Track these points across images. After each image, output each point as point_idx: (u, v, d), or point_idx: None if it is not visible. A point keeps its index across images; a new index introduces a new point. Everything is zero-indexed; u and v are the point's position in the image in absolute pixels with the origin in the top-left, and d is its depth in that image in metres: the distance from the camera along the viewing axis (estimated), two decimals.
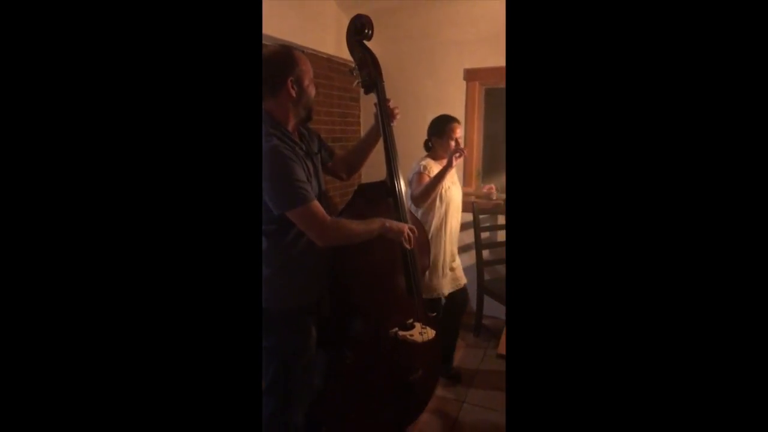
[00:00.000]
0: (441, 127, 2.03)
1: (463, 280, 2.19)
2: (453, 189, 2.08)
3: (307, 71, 1.27)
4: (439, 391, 2.14)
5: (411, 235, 1.41)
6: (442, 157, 2.06)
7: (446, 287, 2.10)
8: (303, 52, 2.43)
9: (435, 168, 2.00)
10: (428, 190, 1.93)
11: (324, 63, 2.65)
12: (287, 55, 1.25)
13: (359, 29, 1.41)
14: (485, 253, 2.72)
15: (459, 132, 2.03)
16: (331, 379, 1.52)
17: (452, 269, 2.14)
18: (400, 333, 1.52)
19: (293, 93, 1.25)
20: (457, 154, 1.89)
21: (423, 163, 2.03)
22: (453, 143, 2.00)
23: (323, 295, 1.44)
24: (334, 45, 2.64)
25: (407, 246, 1.43)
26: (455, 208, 2.10)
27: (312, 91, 1.29)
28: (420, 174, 2.00)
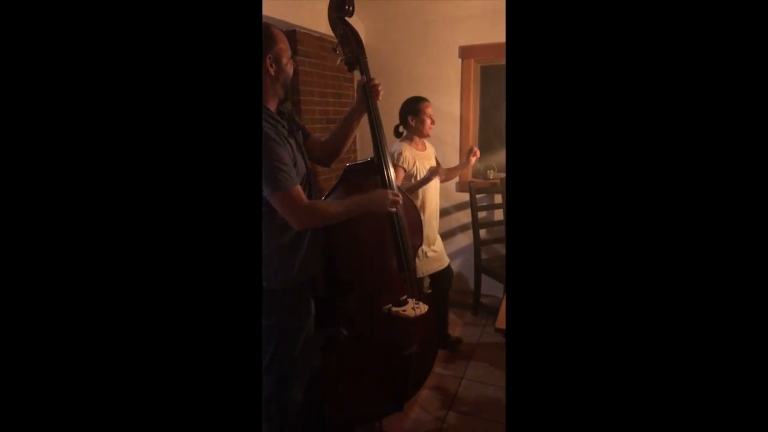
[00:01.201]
0: (415, 106, 2.06)
1: (446, 261, 2.24)
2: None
3: (285, 49, 1.26)
4: (438, 368, 2.17)
5: (395, 198, 1.36)
6: (417, 137, 2.09)
7: (425, 270, 2.14)
8: (296, 30, 2.41)
9: (409, 154, 2.04)
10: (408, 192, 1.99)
11: (316, 42, 2.62)
12: (265, 32, 1.23)
13: (340, 5, 1.39)
14: (482, 233, 2.72)
15: (431, 110, 2.07)
16: (328, 357, 1.54)
17: (434, 252, 2.16)
18: (393, 309, 1.53)
19: (271, 71, 1.24)
20: (439, 175, 1.99)
21: (396, 151, 2.03)
22: (428, 120, 2.05)
23: (318, 273, 1.45)
24: (326, 23, 2.59)
25: (395, 208, 1.39)
26: (433, 193, 2.11)
27: (290, 69, 1.28)
28: (395, 167, 1.98)
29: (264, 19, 2.11)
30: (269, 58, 1.23)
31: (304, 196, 1.26)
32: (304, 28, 2.46)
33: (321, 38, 2.65)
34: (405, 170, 2.03)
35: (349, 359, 1.57)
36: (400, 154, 2.03)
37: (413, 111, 2.06)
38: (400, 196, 1.40)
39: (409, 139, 2.10)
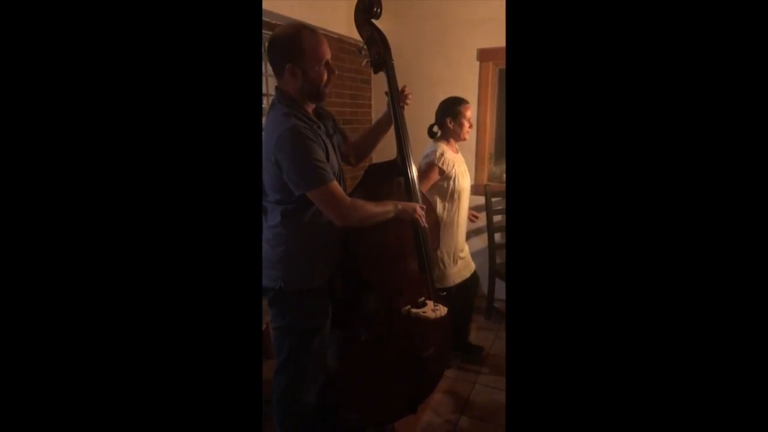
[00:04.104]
0: (455, 108, 1.97)
1: (473, 266, 2.20)
2: (463, 179, 2.03)
3: (312, 57, 1.21)
4: (451, 372, 2.16)
5: (422, 213, 1.42)
6: (455, 140, 2.03)
7: (458, 276, 2.10)
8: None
9: (449, 155, 1.97)
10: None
11: (335, 44, 2.63)
12: (291, 39, 1.20)
13: (368, 7, 1.40)
14: (497, 237, 2.71)
15: (470, 113, 2.00)
16: (345, 358, 1.54)
17: (462, 258, 2.13)
18: (413, 310, 1.53)
19: (293, 79, 1.23)
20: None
21: (438, 150, 1.95)
22: (467, 123, 1.98)
23: (336, 274, 1.46)
24: (345, 25, 2.61)
25: (422, 223, 1.43)
26: (465, 198, 2.06)
27: (318, 77, 1.24)
28: (432, 165, 1.92)
29: (282, 20, 2.14)
30: (289, 67, 1.21)
31: (343, 191, 1.26)
32: (323, 30, 2.47)
33: (340, 40, 2.66)
34: (443, 172, 1.95)
35: (365, 361, 1.57)
36: (442, 154, 1.94)
37: (452, 113, 1.97)
38: (425, 209, 1.44)
39: (446, 140, 2.02)
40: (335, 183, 1.23)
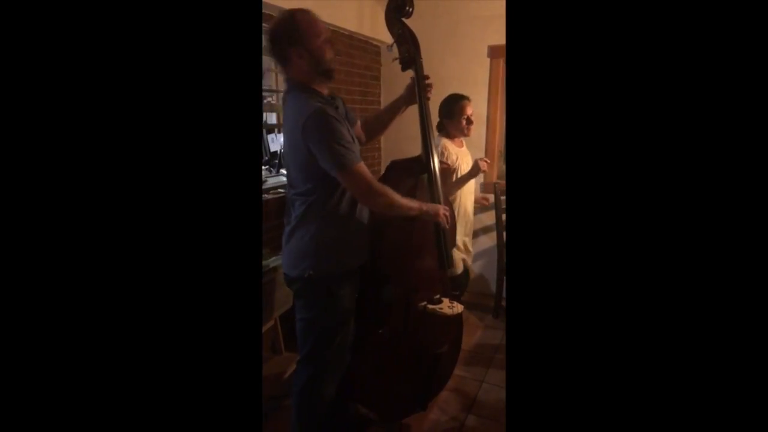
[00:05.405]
0: (451, 107, 2.00)
1: (469, 263, 2.21)
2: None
3: (312, 36, 1.22)
4: (459, 371, 2.17)
5: (446, 215, 1.43)
6: (456, 136, 2.06)
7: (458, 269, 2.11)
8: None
9: (452, 149, 2.00)
10: (452, 190, 1.96)
11: (345, 40, 2.61)
12: (288, 23, 1.21)
13: (400, 6, 1.41)
14: (506, 235, 2.72)
15: (470, 110, 2.01)
16: (360, 351, 1.54)
17: (465, 251, 2.15)
18: (429, 306, 1.53)
19: (302, 63, 1.23)
20: (483, 164, 1.91)
21: (440, 146, 1.99)
22: (464, 122, 2.00)
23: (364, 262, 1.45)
24: (356, 22, 2.59)
25: (445, 225, 1.44)
26: (468, 192, 2.08)
27: (323, 52, 1.24)
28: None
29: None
30: (294, 51, 1.21)
31: (371, 174, 1.26)
32: (333, 26, 2.45)
33: (350, 36, 2.64)
34: (449, 166, 1.98)
35: (380, 355, 1.58)
36: (445, 149, 1.99)
37: (449, 113, 2.01)
38: (449, 211, 1.45)
39: (448, 134, 2.06)
40: (362, 164, 1.23)
